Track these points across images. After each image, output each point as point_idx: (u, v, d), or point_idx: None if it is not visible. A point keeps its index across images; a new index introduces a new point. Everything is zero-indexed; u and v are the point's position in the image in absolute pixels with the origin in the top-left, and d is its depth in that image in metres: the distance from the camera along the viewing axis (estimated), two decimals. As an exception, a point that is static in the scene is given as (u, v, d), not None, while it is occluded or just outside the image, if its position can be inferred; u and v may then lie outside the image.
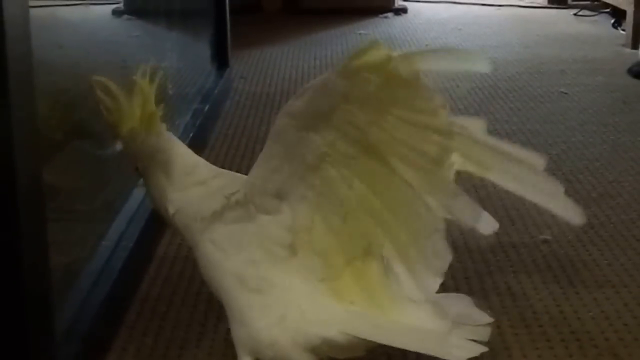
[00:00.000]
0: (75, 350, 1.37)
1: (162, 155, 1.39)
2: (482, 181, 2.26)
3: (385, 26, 4.84)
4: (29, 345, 1.17)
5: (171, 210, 1.40)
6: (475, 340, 1.32)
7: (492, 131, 2.73)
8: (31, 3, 1.17)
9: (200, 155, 1.45)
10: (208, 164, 1.46)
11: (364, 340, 1.31)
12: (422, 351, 1.32)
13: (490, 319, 1.36)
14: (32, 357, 1.18)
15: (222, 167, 2.43)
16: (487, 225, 1.43)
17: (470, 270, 1.82)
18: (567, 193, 1.42)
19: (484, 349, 1.30)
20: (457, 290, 1.73)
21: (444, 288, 1.72)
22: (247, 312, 1.34)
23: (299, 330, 1.33)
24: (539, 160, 1.45)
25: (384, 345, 1.41)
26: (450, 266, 1.81)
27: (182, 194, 1.40)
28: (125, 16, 2.77)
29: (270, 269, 1.34)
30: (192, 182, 1.40)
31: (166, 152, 1.39)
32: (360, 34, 4.60)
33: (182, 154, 1.42)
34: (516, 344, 1.55)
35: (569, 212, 1.42)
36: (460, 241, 1.96)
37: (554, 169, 2.44)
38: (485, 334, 1.33)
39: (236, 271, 1.34)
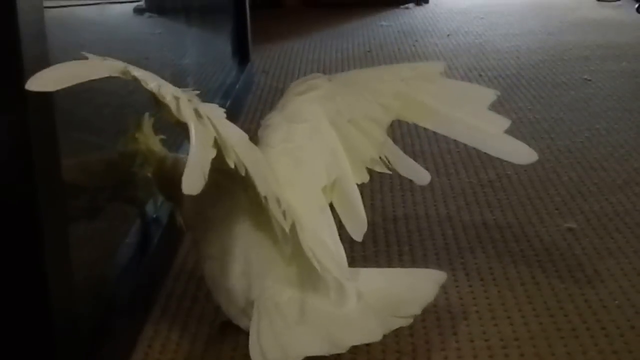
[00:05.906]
0: (102, 347, 1.38)
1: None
2: (504, 170, 2.28)
3: (406, 17, 4.82)
4: (55, 348, 1.18)
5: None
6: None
7: (515, 120, 2.75)
8: (48, 4, 1.18)
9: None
10: None
11: None
12: None
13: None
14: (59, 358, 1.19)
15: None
16: (421, 176, 1.60)
17: (494, 260, 1.81)
18: (515, 133, 1.45)
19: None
20: (480, 280, 1.73)
21: (468, 279, 1.73)
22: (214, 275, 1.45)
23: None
24: (487, 96, 1.52)
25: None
26: (474, 256, 1.83)
27: None
28: (147, 14, 2.77)
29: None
30: None
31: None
32: (382, 25, 4.59)
33: None
34: (541, 333, 1.53)
35: (515, 151, 1.47)
36: (484, 232, 1.96)
37: (579, 157, 2.43)
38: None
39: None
